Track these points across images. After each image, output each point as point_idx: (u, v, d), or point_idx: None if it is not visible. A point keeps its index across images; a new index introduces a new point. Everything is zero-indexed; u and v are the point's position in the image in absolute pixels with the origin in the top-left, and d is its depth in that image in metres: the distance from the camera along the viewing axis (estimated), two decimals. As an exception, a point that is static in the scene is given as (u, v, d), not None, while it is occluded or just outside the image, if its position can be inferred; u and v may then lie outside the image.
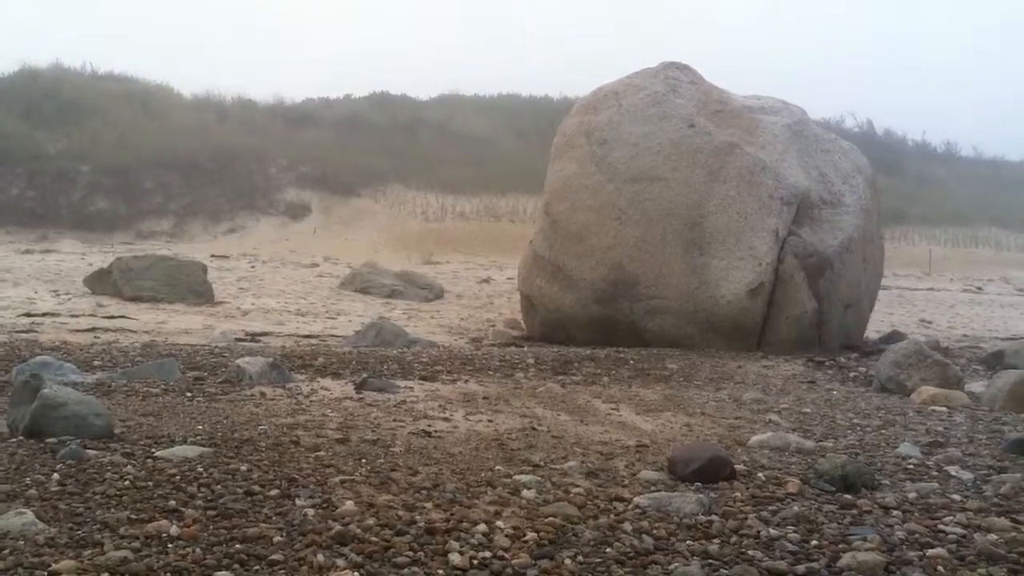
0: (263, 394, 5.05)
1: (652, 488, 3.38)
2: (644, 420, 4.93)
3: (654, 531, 2.88)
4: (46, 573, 2.34)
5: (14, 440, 3.66)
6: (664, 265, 8.65)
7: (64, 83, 28.26)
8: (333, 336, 8.77)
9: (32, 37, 59.32)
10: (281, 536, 2.66)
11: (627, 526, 2.90)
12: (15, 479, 3.11)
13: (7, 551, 2.45)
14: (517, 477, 3.42)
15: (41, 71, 29.20)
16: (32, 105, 26.41)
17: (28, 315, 9.14)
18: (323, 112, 31.44)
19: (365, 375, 5.67)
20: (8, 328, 7.92)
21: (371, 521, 2.81)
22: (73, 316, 9.33)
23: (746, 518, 3.03)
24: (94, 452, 3.46)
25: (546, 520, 2.90)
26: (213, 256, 17.84)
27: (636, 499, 3.19)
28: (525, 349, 8.07)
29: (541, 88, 42.93)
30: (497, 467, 3.59)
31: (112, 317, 9.38)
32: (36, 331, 7.90)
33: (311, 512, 2.89)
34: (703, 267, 8.55)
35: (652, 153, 8.97)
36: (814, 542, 2.84)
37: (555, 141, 9.83)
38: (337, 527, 2.73)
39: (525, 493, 3.21)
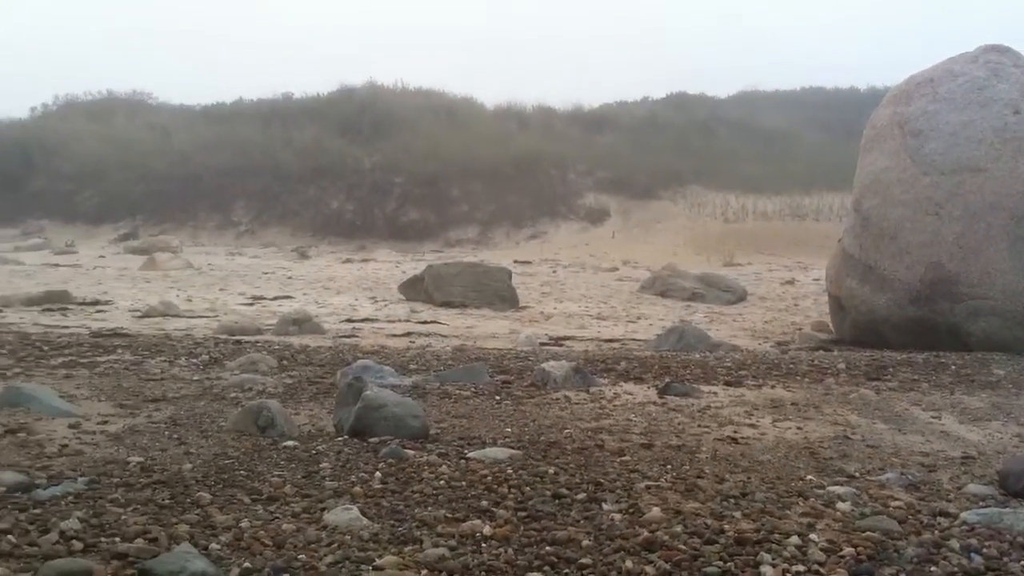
0: (567, 398, 5.12)
1: (980, 503, 3.14)
2: (969, 430, 4.60)
3: (984, 550, 2.66)
4: (371, 567, 2.46)
5: (340, 439, 3.90)
6: (988, 263, 8.04)
7: (378, 100, 30.04)
8: (634, 340, 8.78)
9: (349, 61, 63.67)
10: (589, 540, 2.67)
11: (953, 543, 2.70)
12: (342, 476, 3.30)
13: (335, 544, 2.60)
14: (831, 488, 3.27)
15: (357, 90, 31.20)
16: (349, 122, 28.28)
17: (350, 321, 9.76)
18: (620, 116, 31.65)
19: (668, 379, 5.63)
20: (333, 333, 8.48)
21: (678, 528, 2.77)
22: (390, 321, 9.87)
23: (1093, 541, 2.74)
24: (412, 452, 3.62)
25: (863, 534, 2.75)
26: (516, 261, 18.38)
27: (963, 515, 2.96)
28: (835, 353, 7.74)
29: (846, 79, 41.30)
30: (808, 476, 3.45)
31: (425, 322, 9.84)
32: (357, 336, 8.41)
33: (618, 517, 2.88)
34: (1034, 264, 7.90)
35: (972, 143, 8.36)
36: None
37: (865, 134, 9.37)
38: (644, 533, 2.71)
39: (840, 505, 3.06)
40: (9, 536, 2.57)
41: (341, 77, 33.82)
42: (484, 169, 25.52)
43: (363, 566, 2.46)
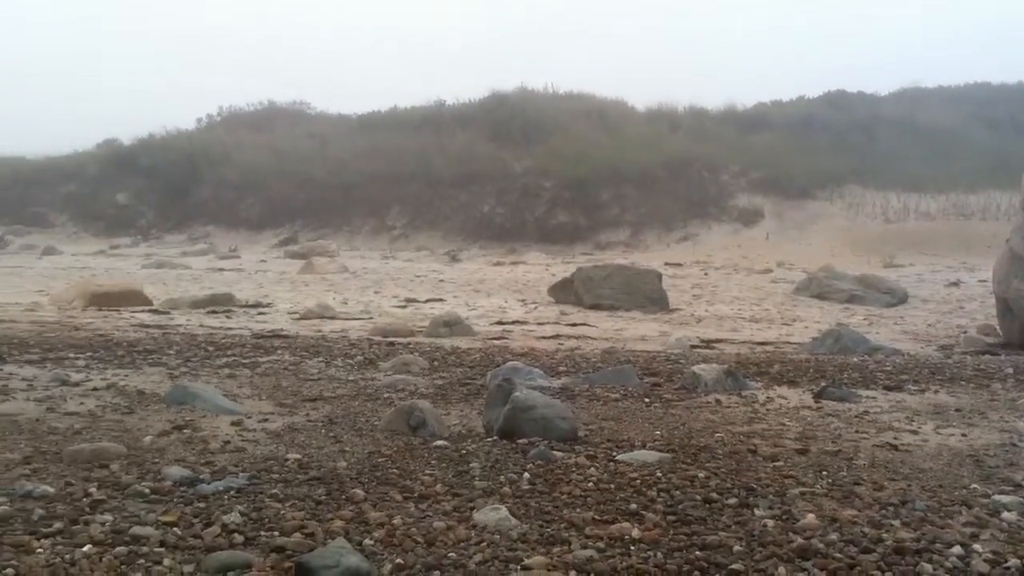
0: (719, 401, 5.04)
1: None
2: None
3: None
4: (519, 567, 2.47)
5: (489, 440, 3.94)
6: None
7: (528, 104, 30.25)
8: (788, 343, 8.58)
9: (500, 66, 64.32)
10: (740, 546, 2.62)
11: None
12: (491, 476, 3.33)
13: (484, 543, 2.62)
14: (996, 497, 3.12)
15: (508, 95, 31.46)
16: (500, 127, 28.56)
17: (500, 323, 9.84)
18: (775, 115, 30.96)
19: (824, 384, 5.49)
20: (483, 335, 8.56)
21: (834, 536, 2.69)
22: (539, 324, 9.91)
23: None
24: (560, 454, 3.62)
25: (1032, 546, 2.62)
26: (667, 264, 18.21)
27: None
28: (1002, 357, 7.40)
29: (1015, 74, 39.47)
30: (973, 485, 3.30)
31: (574, 324, 9.85)
32: (507, 338, 8.47)
33: (771, 523, 2.82)
34: None
35: None
36: None
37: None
38: (799, 540, 2.64)
39: (1006, 515, 2.92)
40: (175, 529, 2.69)
41: (492, 83, 34.07)
42: (635, 171, 25.37)
43: (511, 565, 2.47)
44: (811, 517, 2.85)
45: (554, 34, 77.39)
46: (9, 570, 2.33)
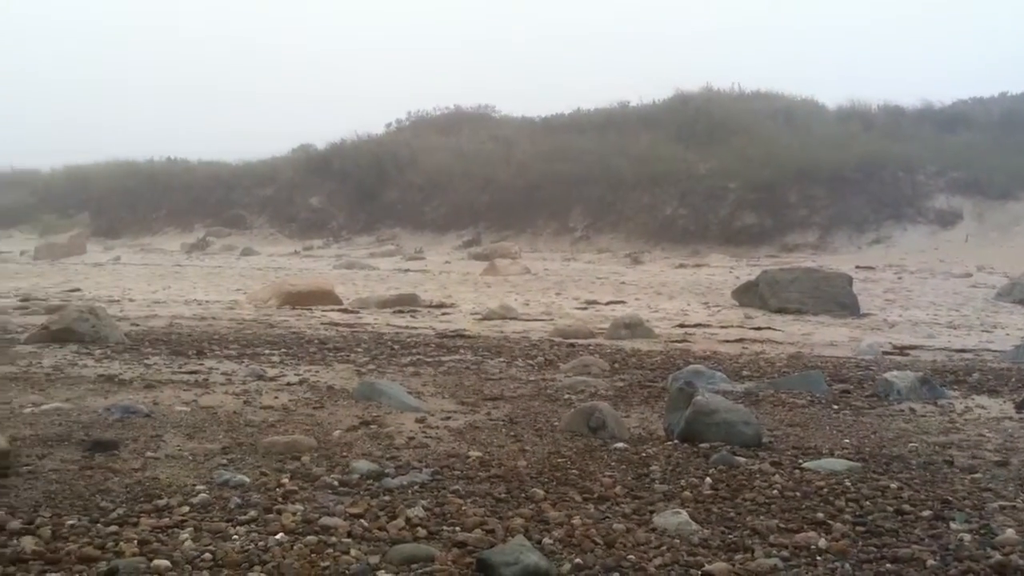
0: (912, 410, 4.84)
1: None
2: None
3: None
4: (700, 572, 2.42)
5: (670, 443, 3.89)
6: None
7: (713, 104, 29.82)
8: (989, 351, 8.15)
9: (685, 67, 63.68)
10: (934, 560, 2.50)
11: None
12: (671, 480, 3.29)
13: (664, 547, 2.59)
14: None
15: (692, 95, 31.10)
16: (684, 128, 28.25)
17: (682, 326, 9.73)
18: (975, 112, 29.45)
19: (1027, 393, 5.19)
20: (664, 338, 8.48)
21: (1036, 554, 2.54)
22: (722, 327, 9.75)
23: None
24: (743, 459, 3.55)
25: None
26: (858, 267, 17.60)
27: None
28: None
29: None
30: None
31: (759, 328, 9.64)
32: (689, 341, 8.37)
33: (967, 537, 2.68)
34: None
35: None
36: None
37: None
38: (997, 556, 2.50)
39: None
40: (362, 520, 2.76)
41: (677, 83, 33.68)
42: (824, 172, 24.59)
43: (692, 571, 2.43)
44: (1011, 532, 2.70)
45: (739, 32, 75.95)
46: (207, 555, 2.45)
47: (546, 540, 2.63)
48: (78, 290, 13.60)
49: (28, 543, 2.49)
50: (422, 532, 2.68)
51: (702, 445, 3.77)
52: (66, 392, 4.91)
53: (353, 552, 2.50)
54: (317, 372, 5.83)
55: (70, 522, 2.68)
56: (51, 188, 37.56)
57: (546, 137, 30.73)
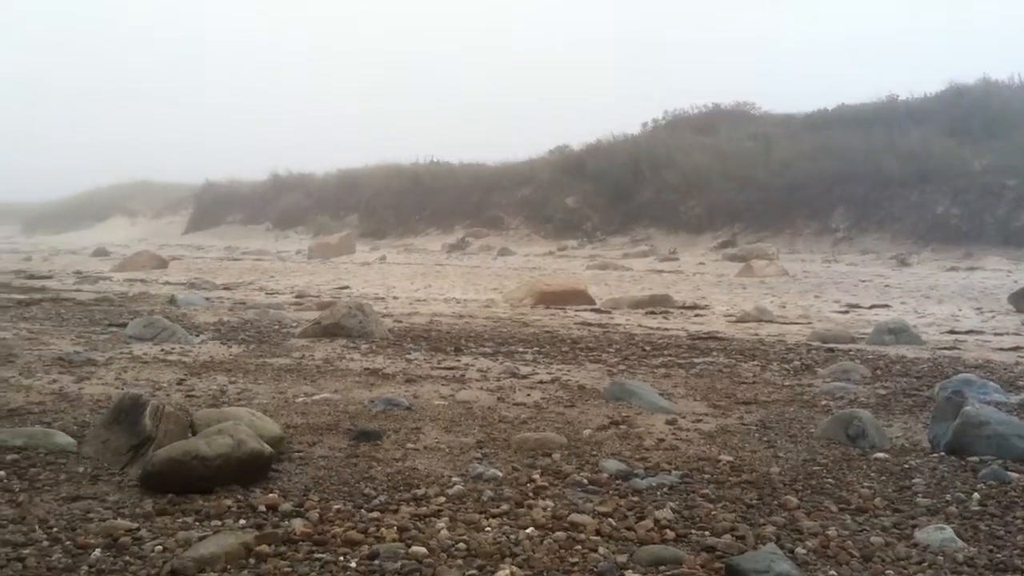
0: None
1: None
2: None
3: None
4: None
5: (935, 455, 3.70)
6: None
7: (992, 97, 28.06)
8: None
9: (957, 59, 60.11)
10: None
11: None
12: (935, 494, 3.12)
13: (926, 564, 2.48)
14: None
15: (968, 87, 29.38)
16: (958, 123, 26.71)
17: (951, 332, 9.20)
18: None
19: None
20: (932, 345, 8.05)
21: None
22: (996, 334, 9.14)
23: None
24: (1016, 475, 3.33)
25: None
26: None
27: None
28: None
29: None
30: None
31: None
32: (959, 348, 7.91)
33: None
34: None
35: None
36: None
37: None
38: None
39: None
40: (610, 519, 2.78)
41: (950, 75, 31.81)
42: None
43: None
44: None
45: (1018, 20, 71.05)
46: (461, 544, 2.54)
47: (799, 549, 2.56)
48: (347, 288, 14.38)
49: (298, 525, 2.66)
50: (670, 534, 2.67)
51: (970, 458, 3.56)
52: (335, 384, 5.21)
53: (601, 550, 2.52)
54: (569, 371, 5.91)
55: (336, 506, 2.85)
56: (324, 191, 39.94)
57: (807, 134, 29.83)
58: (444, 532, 2.63)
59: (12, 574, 2.29)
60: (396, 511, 2.82)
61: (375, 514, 2.78)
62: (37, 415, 4.07)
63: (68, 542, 2.51)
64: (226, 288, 13.73)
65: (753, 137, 31.03)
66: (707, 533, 2.69)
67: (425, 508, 2.85)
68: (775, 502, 3.01)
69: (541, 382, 5.44)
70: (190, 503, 2.85)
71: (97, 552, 2.44)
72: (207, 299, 11.00)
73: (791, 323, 9.92)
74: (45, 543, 2.50)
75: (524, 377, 5.62)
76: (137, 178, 57.78)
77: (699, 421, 4.38)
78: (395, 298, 12.39)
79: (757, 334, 8.61)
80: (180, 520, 2.71)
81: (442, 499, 2.95)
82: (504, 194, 33.43)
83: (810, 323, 9.91)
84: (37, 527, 2.62)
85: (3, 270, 17.11)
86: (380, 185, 37.27)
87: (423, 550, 2.48)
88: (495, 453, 3.59)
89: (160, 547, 2.48)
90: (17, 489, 2.98)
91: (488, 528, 2.69)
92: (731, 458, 3.57)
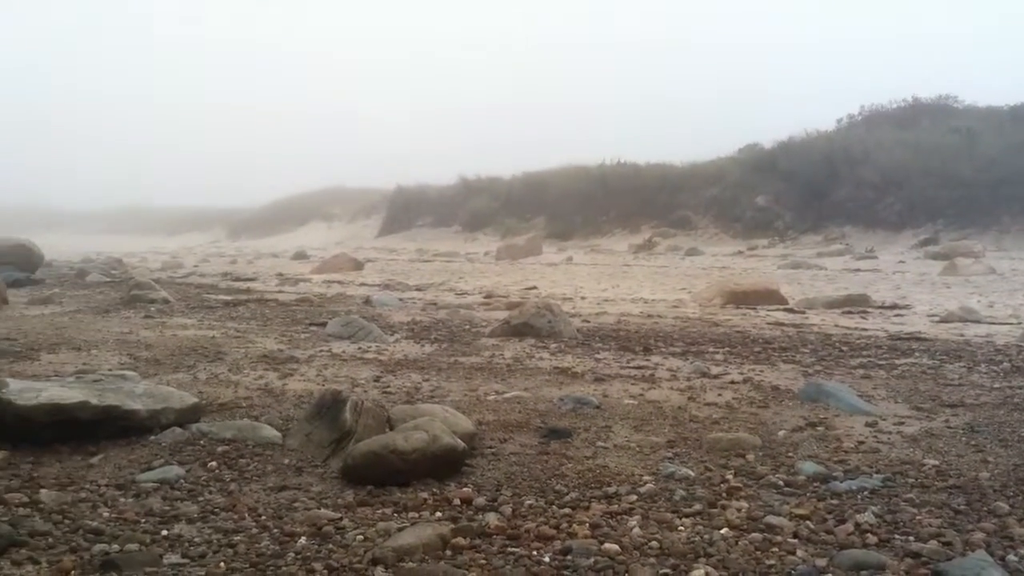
0: None
1: None
2: None
3: None
4: None
5: None
6: None
7: None
8: None
9: None
10: None
11: None
12: None
13: None
14: None
15: None
16: None
17: None
18: None
19: None
20: None
21: None
22: None
23: None
24: None
25: None
26: None
27: None
28: None
29: None
30: None
31: None
32: None
33: None
34: None
35: None
36: None
37: None
38: None
39: None
40: (808, 522, 2.71)
41: None
42: None
43: None
44: None
45: None
46: (654, 543, 2.52)
47: (1010, 557, 2.43)
48: (535, 288, 14.51)
49: (492, 519, 2.70)
50: (872, 539, 2.57)
51: None
52: (524, 382, 5.26)
53: (799, 553, 2.46)
54: (761, 371, 5.78)
55: (528, 502, 2.88)
56: (511, 193, 40.46)
57: (1015, 127, 28.27)
58: (636, 530, 2.62)
59: (224, 559, 2.40)
60: (587, 508, 2.82)
61: (567, 510, 2.79)
62: (245, 409, 4.28)
63: (275, 530, 2.63)
64: (418, 289, 14.09)
65: (955, 131, 29.61)
66: (911, 538, 2.58)
67: (616, 506, 2.85)
68: (984, 508, 2.86)
69: (732, 382, 5.34)
70: (388, 495, 2.94)
71: (303, 540, 2.55)
72: (400, 300, 11.32)
73: (1000, 323, 9.41)
74: (254, 530, 2.63)
75: (715, 377, 5.54)
76: (332, 184, 60.22)
77: (901, 424, 4.20)
78: (583, 298, 12.42)
79: (963, 335, 8.21)
80: (379, 511, 2.80)
81: (633, 497, 2.94)
82: (691, 194, 33.07)
83: (1020, 324, 9.38)
84: (247, 515, 2.75)
85: (211, 272, 18.09)
86: (566, 187, 37.47)
87: (615, 547, 2.48)
88: (687, 453, 3.55)
89: (362, 536, 2.56)
90: (228, 479, 3.14)
91: (681, 528, 2.66)
92: (936, 462, 3.42)
